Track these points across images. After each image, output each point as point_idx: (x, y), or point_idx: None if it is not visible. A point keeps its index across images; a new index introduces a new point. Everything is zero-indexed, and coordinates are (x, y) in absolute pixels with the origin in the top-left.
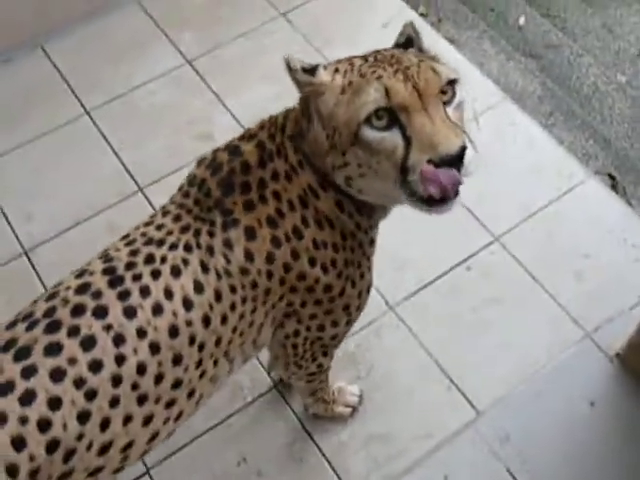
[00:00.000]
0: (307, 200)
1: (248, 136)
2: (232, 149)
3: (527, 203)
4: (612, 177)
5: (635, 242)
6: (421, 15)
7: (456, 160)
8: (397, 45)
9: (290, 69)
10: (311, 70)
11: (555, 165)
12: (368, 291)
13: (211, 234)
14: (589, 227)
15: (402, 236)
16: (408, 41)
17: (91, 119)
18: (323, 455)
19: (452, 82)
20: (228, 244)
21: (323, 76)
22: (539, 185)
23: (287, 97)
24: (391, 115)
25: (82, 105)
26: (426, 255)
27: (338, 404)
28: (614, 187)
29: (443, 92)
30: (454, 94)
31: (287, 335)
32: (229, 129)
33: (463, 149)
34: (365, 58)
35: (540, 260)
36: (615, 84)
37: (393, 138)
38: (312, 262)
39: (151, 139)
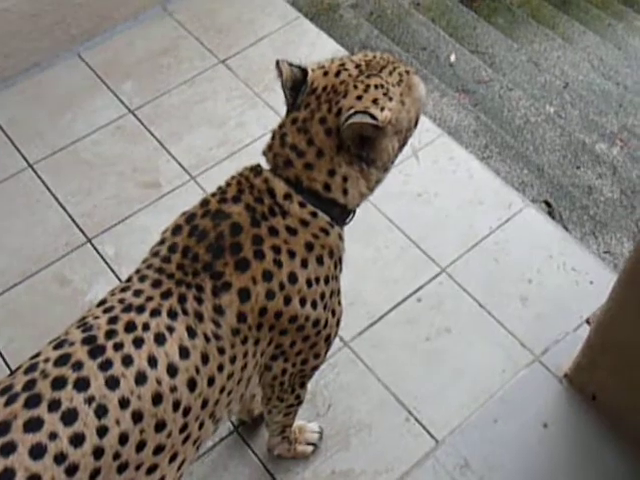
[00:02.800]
0: (315, 243)
1: (231, 198)
2: (215, 214)
3: (470, 233)
4: (548, 204)
5: (574, 265)
6: None
7: None
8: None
9: (377, 127)
10: (373, 117)
11: (494, 195)
12: (340, 318)
13: (199, 300)
14: (530, 253)
15: (353, 274)
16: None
17: (34, 172)
18: None
19: None
20: (219, 310)
21: (383, 115)
22: (480, 215)
23: (230, 142)
24: None
25: (24, 158)
26: (377, 290)
27: (300, 443)
28: (550, 213)
29: None
30: None
31: (275, 376)
32: (175, 175)
33: None
34: (377, 75)
35: (486, 288)
36: (544, 115)
37: None
38: (303, 302)
39: (97, 189)
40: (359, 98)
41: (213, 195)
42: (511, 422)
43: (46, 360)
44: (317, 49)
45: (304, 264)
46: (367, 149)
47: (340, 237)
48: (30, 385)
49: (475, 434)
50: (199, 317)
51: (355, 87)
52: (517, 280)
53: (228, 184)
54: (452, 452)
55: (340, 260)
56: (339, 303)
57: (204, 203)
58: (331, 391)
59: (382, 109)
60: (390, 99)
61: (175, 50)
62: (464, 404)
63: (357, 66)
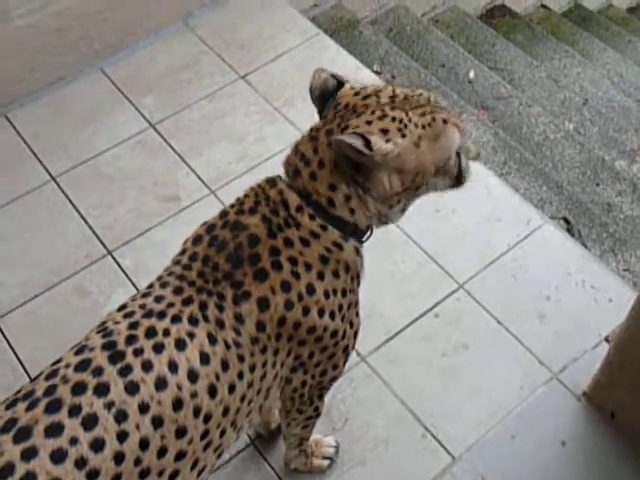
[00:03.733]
0: (329, 256)
1: (249, 210)
2: (233, 225)
3: (488, 250)
4: (567, 221)
5: (593, 283)
6: (375, 72)
7: None
8: (330, 93)
9: (362, 154)
10: (367, 146)
11: (512, 212)
12: (358, 331)
13: (220, 308)
14: (549, 270)
15: (369, 288)
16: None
17: (57, 185)
18: None
19: None
20: (239, 318)
21: (384, 147)
22: (498, 232)
23: (250, 156)
24: None
25: (47, 171)
26: (394, 305)
27: (316, 457)
28: (569, 230)
29: None
30: None
31: (295, 389)
32: (194, 189)
33: None
34: (394, 107)
35: (504, 304)
36: (563, 132)
37: (456, 157)
38: (321, 313)
39: (117, 202)
40: (369, 123)
41: (232, 206)
42: (529, 439)
43: (67, 366)
44: (337, 65)
45: (320, 276)
46: (361, 175)
47: (358, 252)
48: (51, 390)
49: (492, 451)
50: (220, 324)
51: (373, 112)
52: (535, 297)
53: (246, 195)
54: (469, 469)
55: (358, 275)
56: (357, 315)
57: (223, 214)
58: (348, 406)
59: (387, 141)
60: (403, 136)
61: (196, 65)
62: (481, 421)
63: (392, 96)
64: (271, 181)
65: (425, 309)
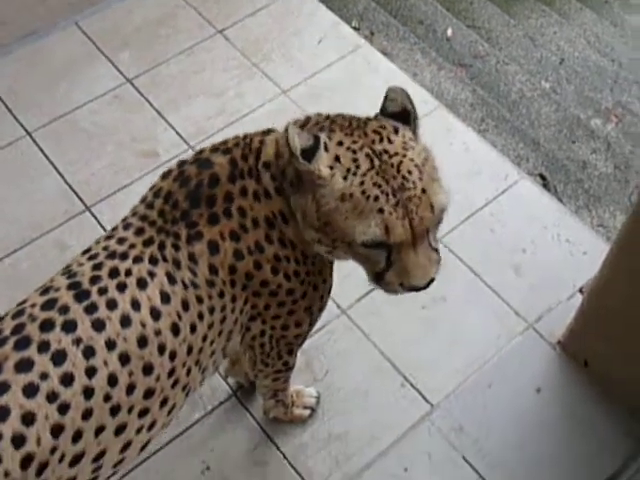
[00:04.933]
0: (274, 222)
1: (223, 149)
2: (202, 162)
3: (466, 204)
4: (543, 177)
5: (568, 237)
6: (354, 29)
7: (423, 288)
8: (390, 115)
9: (291, 153)
10: (311, 149)
11: (490, 167)
12: (329, 292)
13: (176, 247)
14: (525, 224)
15: None
16: (402, 113)
17: (33, 140)
18: (285, 457)
19: (442, 211)
20: (193, 258)
21: (323, 169)
22: (477, 187)
23: (228, 112)
24: (383, 243)
25: (22, 127)
26: None
27: (297, 406)
28: (545, 186)
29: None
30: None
31: (254, 336)
32: (173, 145)
33: (432, 281)
34: (370, 159)
35: (481, 257)
36: (540, 90)
37: (378, 256)
38: (275, 271)
39: (95, 158)
40: (339, 143)
41: (212, 145)
42: (505, 387)
43: (33, 305)
44: (315, 20)
45: (268, 239)
46: (295, 183)
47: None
48: (19, 329)
49: (469, 398)
50: (177, 264)
51: (352, 140)
52: (512, 250)
53: (228, 139)
54: (447, 416)
55: (315, 256)
56: (324, 281)
57: (199, 151)
58: (328, 357)
59: (330, 167)
60: (344, 178)
61: (173, 20)
62: (459, 370)
63: (384, 149)
64: (266, 131)
65: None
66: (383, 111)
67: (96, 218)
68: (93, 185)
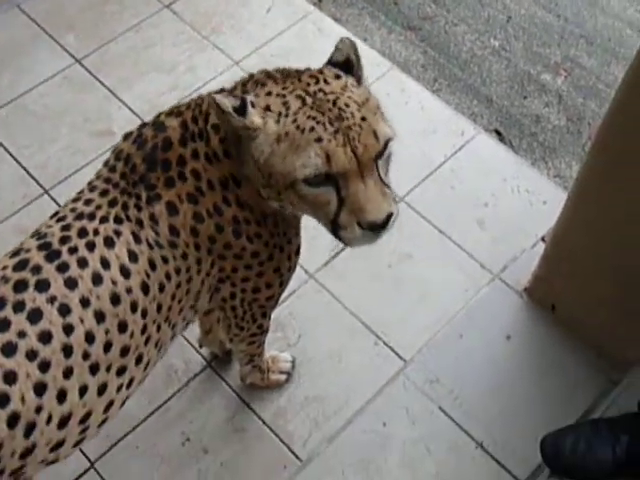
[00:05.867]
0: (228, 184)
1: (176, 112)
2: (158, 125)
3: (425, 162)
4: (499, 132)
5: (528, 188)
6: None
7: (382, 225)
8: (333, 63)
9: (222, 112)
10: (241, 108)
11: (446, 124)
12: (297, 253)
13: (138, 208)
14: (485, 178)
15: None
16: (347, 63)
17: None
18: (264, 423)
19: (387, 142)
20: (153, 218)
21: (255, 118)
22: (434, 144)
23: (181, 86)
24: (328, 176)
25: None
26: None
27: (273, 372)
28: (502, 141)
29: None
30: (386, 150)
31: (224, 298)
32: (128, 122)
33: (389, 216)
34: (302, 98)
35: (444, 213)
36: (490, 48)
37: (327, 195)
38: (236, 234)
39: (50, 141)
40: (268, 94)
41: (170, 108)
42: (476, 337)
43: (4, 267)
44: None
45: (226, 201)
46: (235, 144)
47: (262, 196)
48: None
49: (442, 350)
50: (139, 223)
51: (280, 87)
52: (473, 205)
53: (182, 103)
54: (421, 369)
55: (275, 216)
56: (289, 242)
57: (157, 115)
58: (300, 322)
59: (262, 117)
60: (277, 122)
61: None
62: (429, 324)
63: (309, 86)
64: (218, 91)
65: None
66: (330, 61)
67: (55, 201)
68: (50, 168)
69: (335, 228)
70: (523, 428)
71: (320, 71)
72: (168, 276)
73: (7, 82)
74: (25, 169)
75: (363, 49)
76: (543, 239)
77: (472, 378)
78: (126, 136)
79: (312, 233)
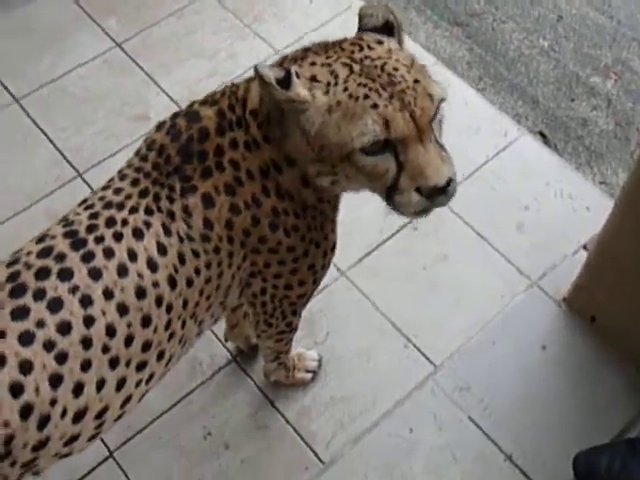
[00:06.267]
0: (268, 172)
1: (211, 101)
2: (192, 115)
3: (466, 162)
4: (543, 135)
5: (571, 193)
6: None
7: (442, 191)
8: (374, 29)
9: (264, 83)
10: (285, 80)
11: (490, 124)
12: (333, 250)
13: (170, 199)
14: (527, 181)
15: (347, 204)
16: (386, 27)
17: (21, 107)
18: (287, 422)
19: (440, 102)
20: (187, 211)
21: (301, 91)
22: (477, 144)
23: (221, 73)
24: (386, 143)
25: (10, 93)
26: (372, 219)
27: (299, 370)
28: (546, 144)
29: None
30: (438, 111)
31: (254, 294)
32: (165, 108)
33: (450, 181)
34: (349, 65)
35: (483, 215)
36: (538, 48)
37: (386, 163)
38: (273, 227)
39: (86, 124)
40: (312, 64)
41: (204, 97)
42: (509, 344)
43: (28, 253)
44: None
45: (265, 191)
46: (278, 119)
47: (306, 184)
48: (14, 276)
49: (473, 357)
50: (171, 215)
51: (325, 57)
52: (514, 208)
53: (216, 91)
54: (451, 375)
55: (315, 208)
56: (325, 238)
57: (190, 104)
58: (329, 319)
59: (309, 89)
60: (326, 92)
61: None
62: (462, 330)
63: (353, 53)
64: (251, 78)
65: (404, 222)
66: (362, 28)
67: (88, 184)
68: (85, 151)
69: (390, 195)
70: (554, 442)
71: (360, 38)
72: (197, 271)
73: (48, 63)
74: (60, 151)
75: (407, 44)
76: (585, 247)
77: (504, 388)
78: (159, 126)
79: (346, 229)
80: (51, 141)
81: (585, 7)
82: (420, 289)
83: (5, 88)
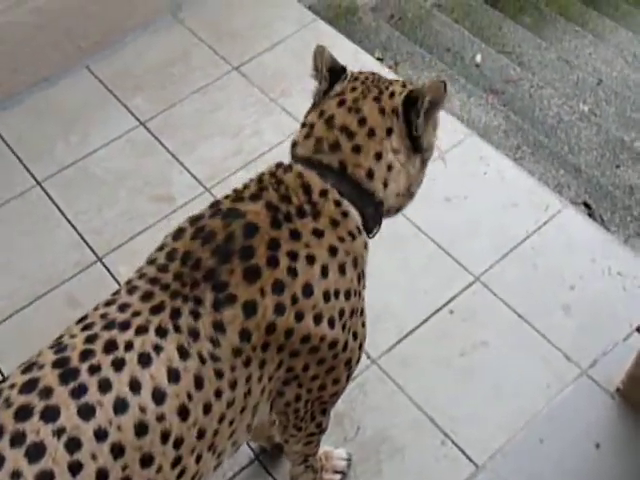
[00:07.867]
0: (339, 247)
1: (249, 197)
2: (227, 213)
3: (505, 238)
4: (587, 205)
5: (620, 270)
6: (378, 59)
7: None
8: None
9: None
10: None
11: (529, 197)
12: (365, 339)
13: (196, 315)
14: (571, 258)
15: (378, 285)
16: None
17: (43, 190)
18: None
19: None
20: (220, 327)
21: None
22: (515, 219)
23: (246, 151)
24: None
25: (32, 176)
26: (405, 302)
27: (326, 471)
28: (591, 215)
29: None
30: None
31: (288, 403)
32: (188, 188)
33: None
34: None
35: (525, 296)
36: (578, 113)
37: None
38: (317, 319)
39: (108, 205)
40: (404, 85)
41: (226, 197)
42: (559, 443)
43: (11, 386)
44: (336, 51)
45: (324, 272)
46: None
47: (365, 246)
48: None
49: (519, 457)
50: (194, 335)
51: (394, 82)
52: (558, 287)
53: (245, 185)
54: (495, 478)
55: (363, 274)
56: (363, 325)
57: (214, 204)
58: (359, 413)
59: None
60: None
61: (187, 58)
62: (505, 424)
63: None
64: (282, 166)
65: (439, 305)
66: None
67: (108, 270)
68: (106, 234)
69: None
70: None
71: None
72: (218, 394)
73: (71, 144)
74: (80, 235)
75: (440, 115)
76: (638, 329)
77: None
78: (177, 235)
79: (376, 311)
80: (71, 224)
81: (626, 69)
82: (458, 378)
83: (28, 170)
